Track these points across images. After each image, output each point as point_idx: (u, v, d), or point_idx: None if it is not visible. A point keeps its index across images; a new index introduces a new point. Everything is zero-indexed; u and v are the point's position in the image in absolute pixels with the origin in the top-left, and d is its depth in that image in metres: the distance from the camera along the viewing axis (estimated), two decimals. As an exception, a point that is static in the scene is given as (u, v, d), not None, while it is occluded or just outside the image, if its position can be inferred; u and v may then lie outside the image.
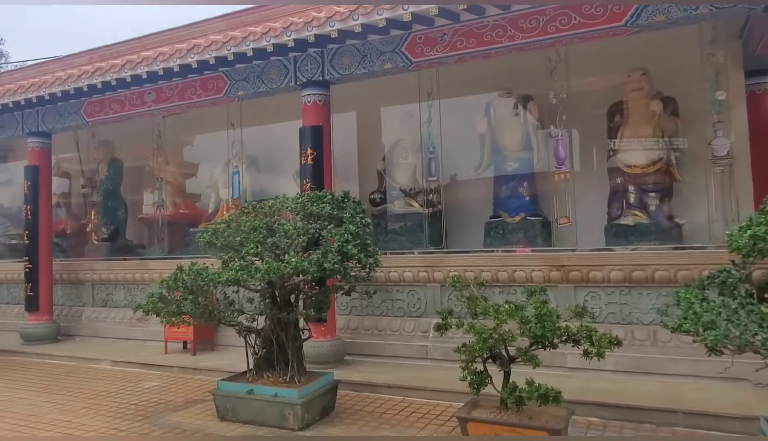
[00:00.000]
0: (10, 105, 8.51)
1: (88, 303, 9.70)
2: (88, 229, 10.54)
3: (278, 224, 4.97)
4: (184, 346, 7.99)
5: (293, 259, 4.58)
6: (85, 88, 7.77)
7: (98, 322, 9.36)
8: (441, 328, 4.38)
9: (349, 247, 4.68)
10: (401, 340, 6.88)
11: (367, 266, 4.86)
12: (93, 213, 10.53)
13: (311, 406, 4.83)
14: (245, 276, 4.62)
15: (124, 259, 9.47)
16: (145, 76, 7.20)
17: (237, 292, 6.76)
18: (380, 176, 8.26)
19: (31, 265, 9.07)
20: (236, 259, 4.86)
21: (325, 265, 4.57)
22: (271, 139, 9.20)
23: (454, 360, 4.24)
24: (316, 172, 6.60)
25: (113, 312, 9.32)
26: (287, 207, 5.16)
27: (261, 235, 4.88)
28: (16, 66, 13.12)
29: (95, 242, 10.43)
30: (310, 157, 6.62)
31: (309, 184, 6.53)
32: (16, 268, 10.76)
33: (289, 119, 7.78)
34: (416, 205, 7.75)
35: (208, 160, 9.87)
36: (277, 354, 5.08)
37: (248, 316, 5.19)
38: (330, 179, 6.81)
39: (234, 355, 7.01)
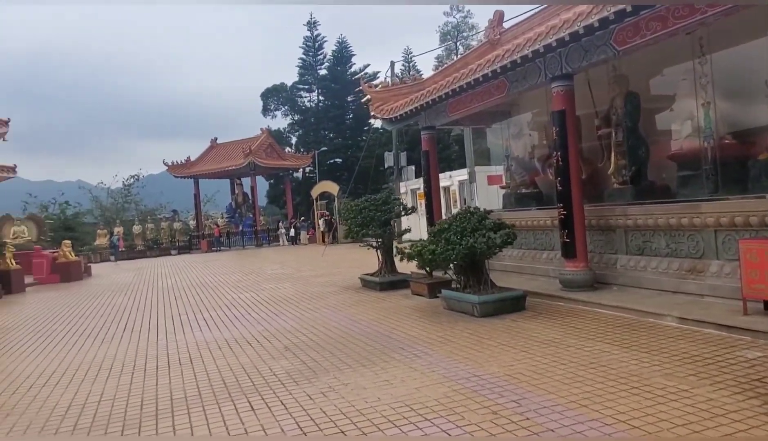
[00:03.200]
0: (541, 50, 8.41)
1: (621, 250, 9.10)
2: (609, 172, 9.91)
3: None
4: (766, 307, 6.36)
5: None
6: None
7: (636, 272, 8.62)
8: None
9: None
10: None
11: None
12: (612, 154, 9.84)
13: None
14: None
15: (666, 202, 8.38)
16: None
17: None
18: None
19: (565, 212, 8.98)
20: None
21: None
22: None
23: None
24: None
25: (653, 261, 8.39)
26: None
27: None
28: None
29: (615, 186, 9.75)
30: None
31: None
32: (540, 215, 11.13)
33: None
34: None
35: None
36: None
37: None
38: None
39: None
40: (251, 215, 39.00)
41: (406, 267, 11.61)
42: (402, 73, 41.26)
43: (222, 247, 36.35)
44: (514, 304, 8.15)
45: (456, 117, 12.63)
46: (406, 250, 9.38)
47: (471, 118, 13.26)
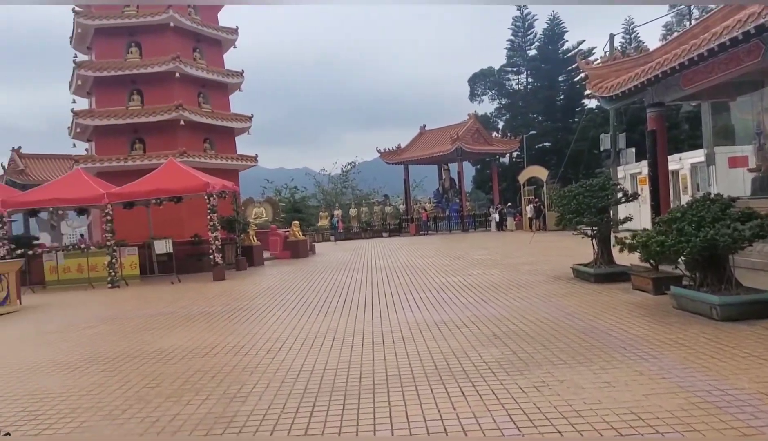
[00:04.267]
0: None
1: None
2: None
3: None
4: None
5: None
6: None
7: None
8: None
9: None
10: None
11: None
12: None
13: None
14: None
15: None
16: None
17: None
18: None
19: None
20: None
21: None
22: None
23: None
24: None
25: None
26: None
27: None
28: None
29: None
30: None
31: None
32: None
33: None
34: None
35: None
36: None
37: None
38: None
39: None
40: (458, 200, 39.55)
41: (624, 258, 10.62)
42: (623, 47, 37.78)
43: (429, 231, 37.55)
44: (767, 309, 6.88)
45: (691, 91, 11.06)
46: (627, 240, 8.53)
47: (710, 90, 11.49)
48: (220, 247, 16.85)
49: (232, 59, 34.16)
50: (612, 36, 28.72)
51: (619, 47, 29.99)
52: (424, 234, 36.68)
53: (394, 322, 8.25)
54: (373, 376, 5.58)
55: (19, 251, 17.06)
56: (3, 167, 33.68)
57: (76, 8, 21.19)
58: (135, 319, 10.12)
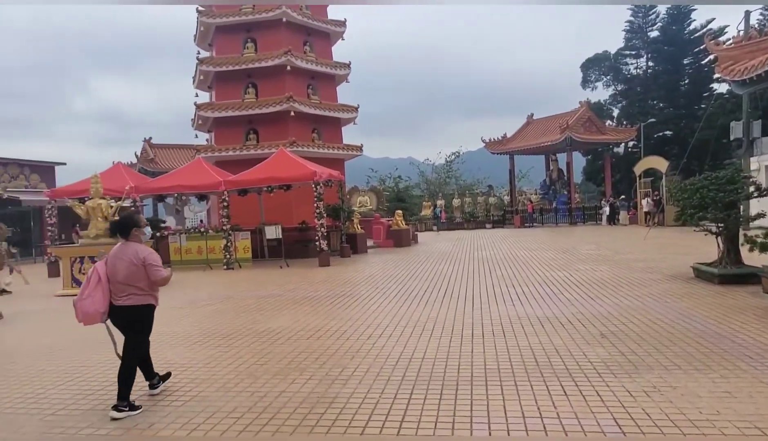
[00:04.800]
0: None
1: None
2: None
3: None
4: None
5: None
6: None
7: None
8: None
9: None
10: None
11: None
12: None
13: None
14: None
15: None
16: None
17: None
18: None
19: None
20: None
21: None
22: None
23: None
24: None
25: None
26: None
27: None
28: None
29: None
30: None
31: None
32: None
33: None
34: None
35: None
36: None
37: None
38: None
39: None
40: (566, 192, 37.99)
41: (754, 259, 9.67)
42: (760, 25, 34.13)
43: (534, 224, 36.43)
44: None
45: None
46: (759, 239, 7.75)
47: None
48: (325, 234, 17.45)
49: (339, 51, 35.05)
50: (747, 13, 26.00)
51: (756, 25, 27.08)
52: (529, 226, 35.64)
53: (495, 315, 8.12)
54: (471, 369, 5.54)
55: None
56: (136, 156, 37.08)
57: (200, 8, 22.75)
58: (247, 300, 10.77)
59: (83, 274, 13.19)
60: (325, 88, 24.08)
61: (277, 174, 17.85)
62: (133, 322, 4.98)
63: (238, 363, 6.18)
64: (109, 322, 5.01)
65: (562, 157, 39.21)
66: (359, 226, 21.95)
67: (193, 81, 24.40)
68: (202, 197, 23.22)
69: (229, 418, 4.53)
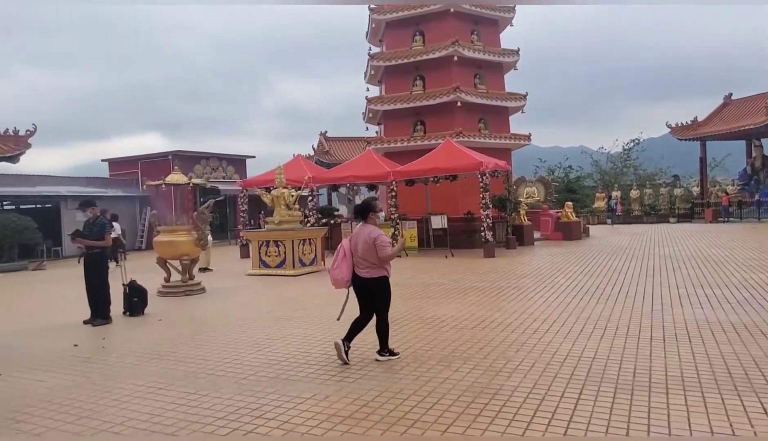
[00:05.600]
0: None
1: None
2: None
3: None
4: None
5: None
6: None
7: None
8: None
9: None
10: None
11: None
12: None
13: None
14: None
15: None
16: None
17: None
18: None
19: None
20: None
21: None
22: None
23: None
24: None
25: None
26: None
27: None
28: None
29: None
30: None
31: None
32: None
33: None
34: None
35: None
36: None
37: None
38: None
39: None
40: (771, 182, 32.98)
41: None
42: None
43: (730, 218, 32.22)
44: None
45: None
46: None
47: None
48: (491, 225, 17.25)
49: (508, 37, 34.16)
50: None
51: None
52: (724, 221, 31.58)
53: (678, 318, 7.37)
54: (649, 373, 5.10)
55: (323, 220, 20.21)
56: (313, 148, 40.00)
57: (371, 6, 23.74)
58: (413, 287, 11.08)
59: (269, 256, 14.64)
60: (493, 77, 23.69)
61: (444, 164, 18.04)
62: (373, 292, 5.88)
63: (404, 347, 6.40)
64: (351, 289, 5.96)
65: (767, 143, 34.08)
66: (526, 218, 21.33)
67: (364, 76, 25.59)
68: (371, 187, 24.33)
69: (396, 398, 4.72)
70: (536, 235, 22.30)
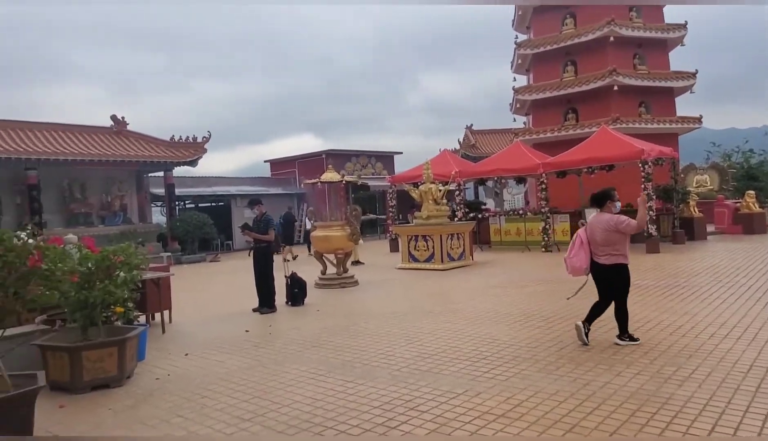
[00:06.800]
0: None
1: None
2: None
3: None
4: None
5: None
6: None
7: None
8: None
9: None
10: None
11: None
12: None
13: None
14: None
15: None
16: None
17: None
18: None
19: None
20: None
21: None
22: None
23: None
24: None
25: None
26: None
27: None
28: None
29: None
30: None
31: None
32: None
33: None
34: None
35: None
36: None
37: None
38: None
39: None
40: None
41: None
42: None
43: None
44: None
45: None
46: None
47: None
48: (654, 218, 15.85)
49: (672, 10, 31.07)
50: None
51: None
52: None
53: None
54: None
55: (471, 214, 20.05)
56: (459, 142, 39.84)
57: (519, -7, 23.00)
58: (566, 283, 10.55)
59: (417, 251, 14.89)
60: (655, 56, 21.70)
61: (598, 154, 16.93)
62: (612, 280, 6.03)
63: (559, 346, 6.13)
64: (589, 276, 6.16)
65: None
66: (696, 209, 19.27)
67: (511, 66, 24.87)
68: (520, 180, 23.65)
69: (552, 400, 4.53)
70: (710, 228, 20.06)
